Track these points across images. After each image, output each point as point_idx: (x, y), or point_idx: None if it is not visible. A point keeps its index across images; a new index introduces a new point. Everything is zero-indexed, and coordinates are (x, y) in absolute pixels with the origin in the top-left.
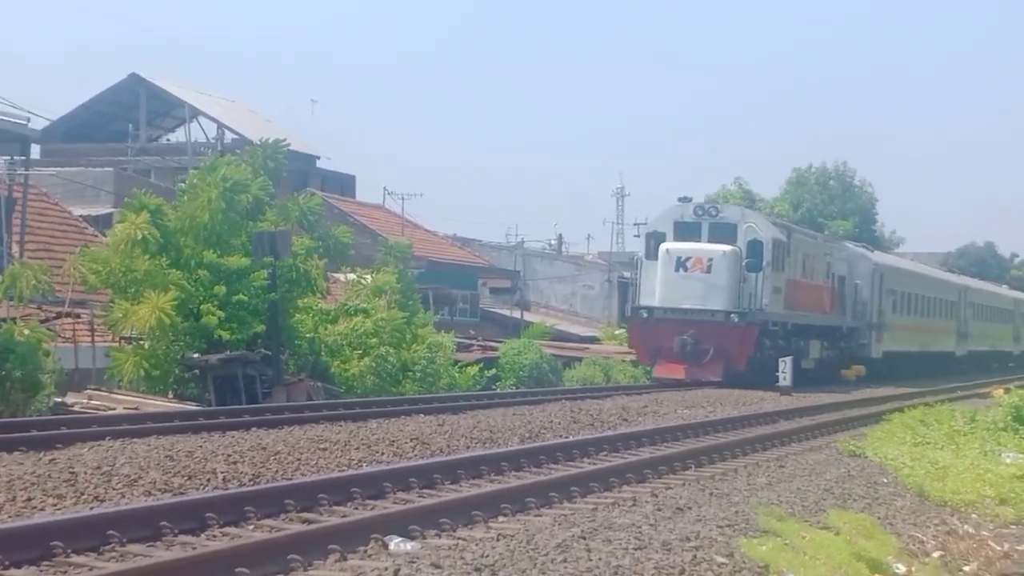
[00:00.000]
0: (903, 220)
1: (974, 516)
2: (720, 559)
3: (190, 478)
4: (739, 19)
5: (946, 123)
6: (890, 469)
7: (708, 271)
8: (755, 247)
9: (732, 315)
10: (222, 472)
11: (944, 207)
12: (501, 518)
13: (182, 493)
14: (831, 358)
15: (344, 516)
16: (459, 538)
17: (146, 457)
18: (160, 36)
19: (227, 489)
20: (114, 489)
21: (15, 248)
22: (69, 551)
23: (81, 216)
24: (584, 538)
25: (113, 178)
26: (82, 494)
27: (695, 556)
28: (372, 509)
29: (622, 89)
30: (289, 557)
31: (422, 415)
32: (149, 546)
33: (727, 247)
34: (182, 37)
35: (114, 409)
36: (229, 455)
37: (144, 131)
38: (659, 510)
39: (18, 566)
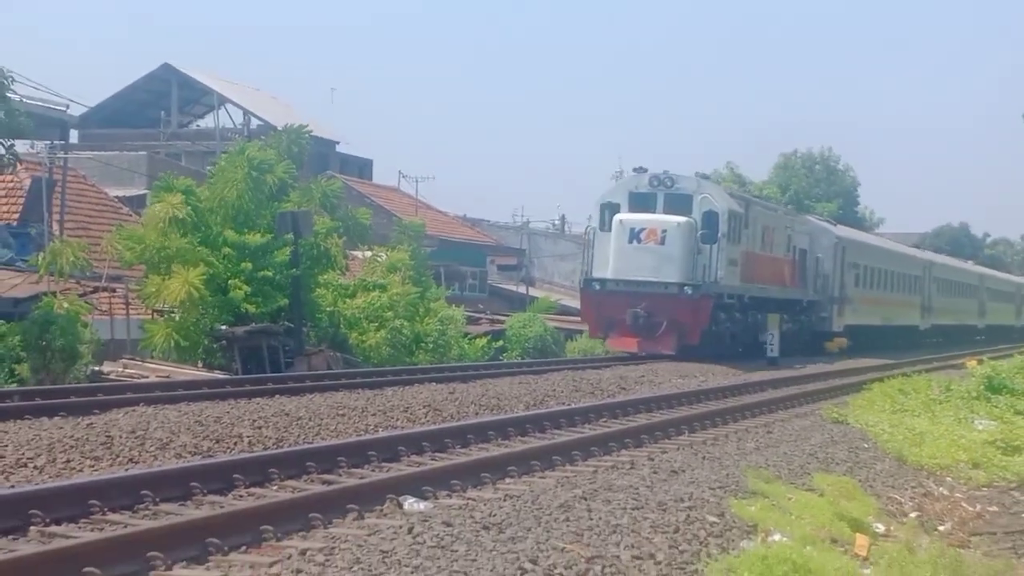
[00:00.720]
0: (884, 202)
1: (949, 479)
2: (712, 518)
3: (218, 441)
4: (734, 6)
5: (925, 111)
6: (870, 435)
7: (662, 243)
8: (710, 218)
9: (686, 288)
10: (248, 436)
11: (922, 190)
12: (508, 480)
13: (211, 456)
14: (792, 331)
15: (362, 478)
16: (469, 498)
17: (177, 422)
18: (190, 27)
19: (253, 452)
20: (147, 452)
21: (55, 227)
22: (106, 509)
23: (116, 197)
24: (585, 499)
25: (146, 161)
26: (117, 456)
27: (688, 515)
28: (388, 471)
29: (621, 76)
30: (311, 515)
31: (434, 383)
32: (180, 505)
33: (681, 218)
34: (211, 28)
35: (147, 377)
36: (254, 420)
37: (175, 118)
38: (655, 473)
39: (58, 523)
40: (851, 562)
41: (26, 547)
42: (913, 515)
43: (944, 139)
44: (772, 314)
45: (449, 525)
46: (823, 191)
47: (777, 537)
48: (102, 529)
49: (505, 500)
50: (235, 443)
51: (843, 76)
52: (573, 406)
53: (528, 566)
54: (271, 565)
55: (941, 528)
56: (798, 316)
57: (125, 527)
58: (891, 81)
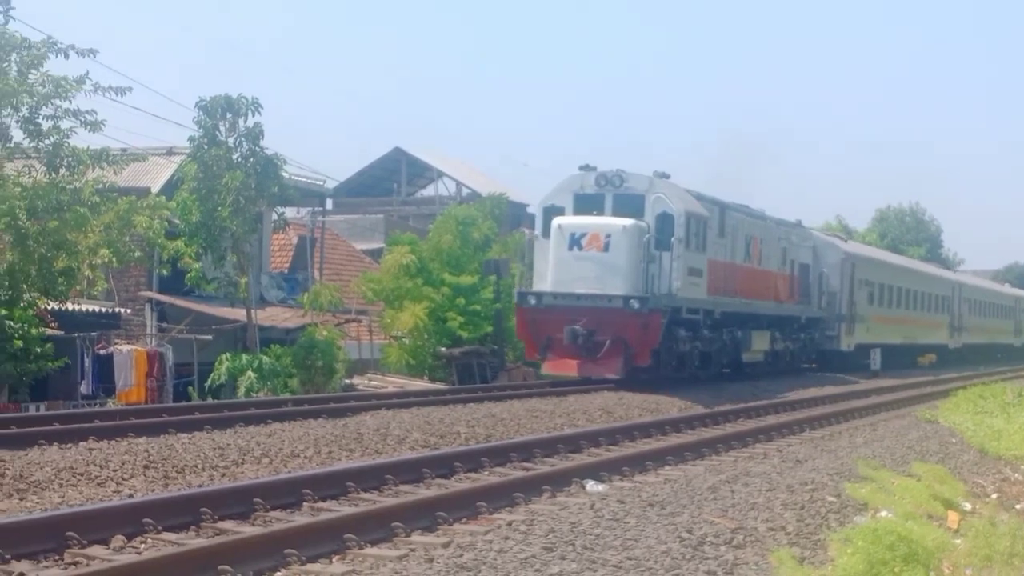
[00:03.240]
0: (965, 245)
1: (1023, 467)
2: (831, 498)
3: (442, 437)
4: (834, 68)
5: (999, 164)
6: (957, 432)
7: (605, 249)
8: (664, 221)
9: (632, 300)
10: (464, 433)
11: (996, 233)
12: (666, 467)
13: (436, 448)
14: (790, 350)
15: (553, 465)
16: (636, 481)
17: (410, 422)
18: (414, 118)
19: (468, 445)
20: (388, 445)
21: (316, 273)
22: (359, 490)
23: (361, 250)
24: (729, 482)
25: (383, 223)
26: (366, 449)
27: (812, 496)
28: (572, 460)
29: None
30: (514, 495)
31: (607, 391)
32: (415, 486)
33: (627, 221)
34: (429, 117)
35: (386, 388)
36: (468, 421)
37: (404, 188)
38: (783, 462)
39: (323, 500)
40: (944, 534)
41: (301, 518)
42: (994, 496)
43: (1016, 187)
44: (760, 331)
45: (622, 502)
46: (913, 237)
47: (884, 513)
48: (357, 505)
49: (665, 483)
50: (454, 438)
51: (928, 140)
52: (716, 409)
53: (685, 535)
54: (486, 533)
55: (1018, 507)
56: (796, 334)
57: (375, 503)
58: (968, 143)
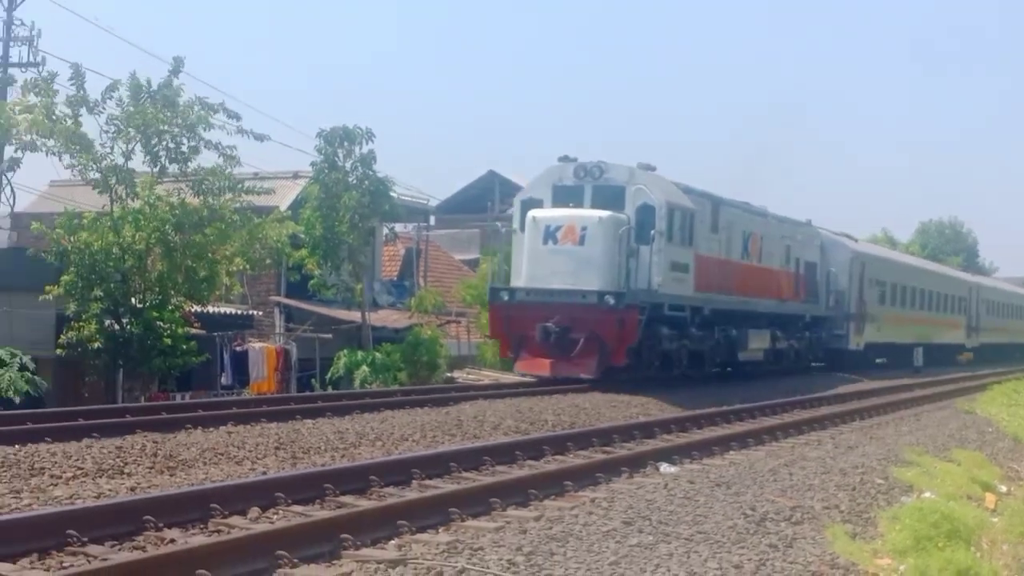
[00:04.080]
0: (1000, 254)
1: None
2: (879, 480)
3: (532, 424)
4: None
5: None
6: (994, 422)
7: (580, 243)
8: (645, 214)
9: (607, 296)
10: (551, 420)
11: None
12: (731, 452)
13: (527, 434)
14: (793, 349)
15: (630, 449)
16: (704, 464)
17: (504, 411)
18: (506, 142)
19: (555, 431)
20: (485, 430)
21: (421, 280)
22: (460, 469)
23: (459, 260)
24: (787, 466)
25: (479, 236)
26: (466, 434)
27: (862, 479)
28: (647, 445)
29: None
30: (596, 475)
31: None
32: (509, 466)
33: (604, 213)
34: (520, 140)
35: (482, 380)
36: (555, 409)
37: (497, 206)
38: (836, 448)
39: (430, 478)
40: (983, 513)
41: (411, 494)
42: None
43: None
44: (758, 330)
45: (692, 483)
46: (952, 248)
47: (928, 494)
48: (459, 483)
49: (730, 466)
50: (543, 425)
51: (966, 151)
52: (776, 401)
53: (749, 512)
54: (572, 508)
55: None
56: (801, 332)
57: (474, 481)
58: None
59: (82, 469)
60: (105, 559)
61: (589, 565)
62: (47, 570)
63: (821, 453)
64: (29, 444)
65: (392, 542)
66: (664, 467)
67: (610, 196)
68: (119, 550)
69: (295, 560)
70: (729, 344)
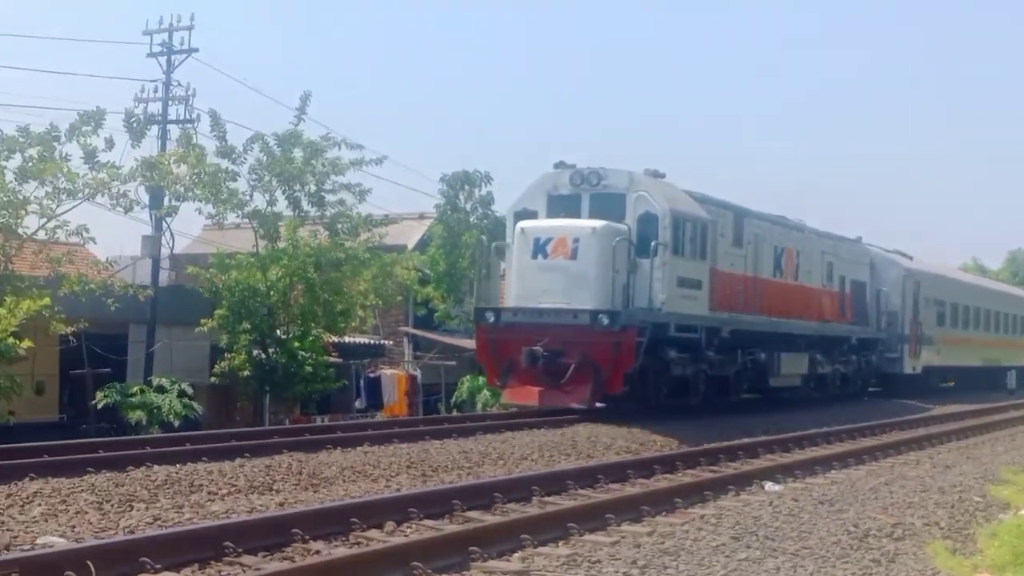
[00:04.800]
0: None
1: None
2: (977, 498)
3: (642, 444)
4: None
5: None
6: None
7: (573, 256)
8: (647, 224)
9: (601, 316)
10: (659, 441)
11: None
12: (832, 471)
13: (638, 454)
14: (839, 373)
15: (736, 468)
16: (807, 483)
17: (615, 432)
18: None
19: (663, 451)
20: (598, 451)
21: None
22: (576, 487)
23: None
24: (887, 484)
25: None
26: (580, 453)
27: (960, 496)
28: (753, 464)
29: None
30: (704, 492)
31: (778, 413)
32: (622, 484)
33: (598, 223)
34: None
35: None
36: (665, 434)
37: None
38: (934, 467)
39: (549, 495)
40: None
41: (532, 509)
42: None
43: None
44: (793, 353)
45: (796, 500)
46: None
47: None
48: (575, 499)
49: (832, 484)
50: (651, 445)
51: None
52: (872, 422)
53: (851, 528)
54: (682, 524)
55: None
56: (847, 356)
57: (589, 499)
58: None
59: (235, 486)
60: (258, 569)
61: None
62: None
63: (920, 472)
64: (188, 464)
65: (516, 555)
66: (769, 485)
67: (610, 205)
68: (270, 560)
69: (428, 571)
70: (757, 369)
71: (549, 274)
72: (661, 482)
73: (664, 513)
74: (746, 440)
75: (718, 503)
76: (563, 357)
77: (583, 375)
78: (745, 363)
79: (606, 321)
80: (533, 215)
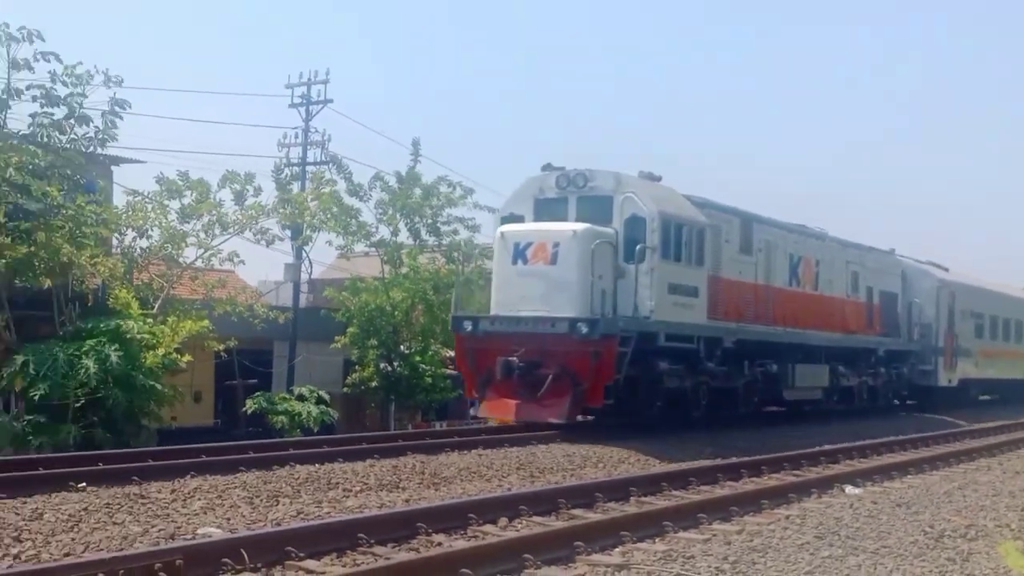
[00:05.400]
0: None
1: None
2: None
3: (728, 449)
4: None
5: None
6: None
7: (552, 261)
8: (634, 227)
9: (579, 324)
10: (743, 447)
11: None
12: (908, 476)
13: (726, 458)
14: (866, 386)
15: (818, 473)
16: (886, 487)
17: (705, 438)
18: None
19: (750, 456)
20: (689, 455)
21: None
22: (671, 488)
23: None
24: (960, 488)
25: None
26: (672, 458)
27: None
28: (833, 469)
29: None
30: (789, 495)
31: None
32: (712, 487)
33: (579, 226)
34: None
35: None
36: (747, 437)
37: None
38: (1004, 473)
39: (654, 494)
40: None
41: (630, 508)
42: None
43: None
44: (810, 364)
45: (875, 503)
46: None
47: None
48: (670, 500)
49: (908, 488)
50: (734, 453)
51: None
52: (946, 431)
53: (927, 529)
54: (769, 524)
55: None
56: (875, 368)
57: (683, 499)
58: None
59: (367, 484)
60: (388, 558)
61: (787, 573)
62: (344, 567)
63: (991, 478)
64: (326, 463)
65: (616, 549)
66: (849, 489)
67: (597, 208)
68: (399, 551)
69: (538, 562)
70: (769, 381)
71: (529, 280)
72: (748, 485)
73: (751, 513)
74: (827, 447)
75: (801, 505)
76: (542, 368)
77: (561, 387)
78: (755, 375)
79: (585, 329)
80: (520, 220)
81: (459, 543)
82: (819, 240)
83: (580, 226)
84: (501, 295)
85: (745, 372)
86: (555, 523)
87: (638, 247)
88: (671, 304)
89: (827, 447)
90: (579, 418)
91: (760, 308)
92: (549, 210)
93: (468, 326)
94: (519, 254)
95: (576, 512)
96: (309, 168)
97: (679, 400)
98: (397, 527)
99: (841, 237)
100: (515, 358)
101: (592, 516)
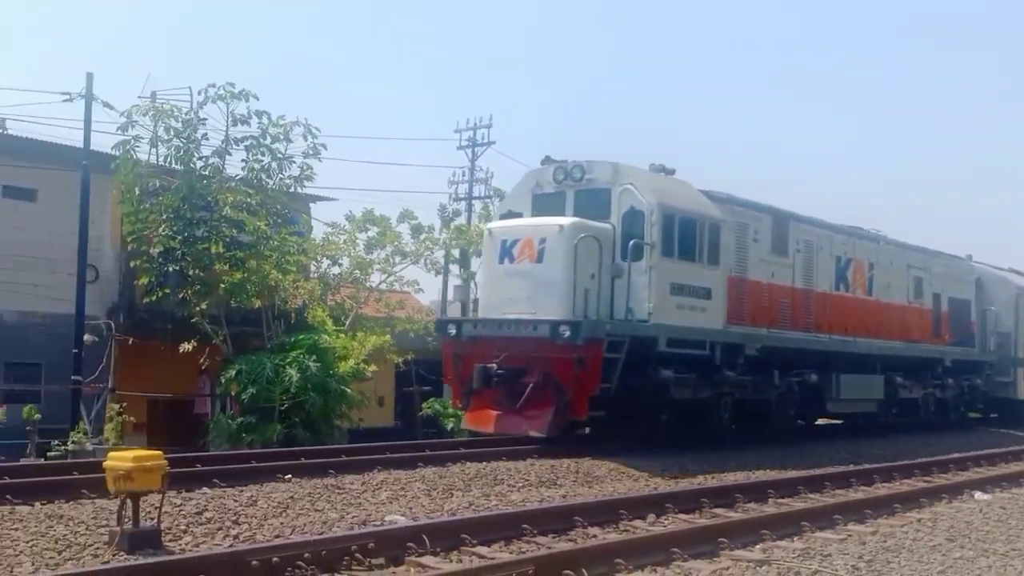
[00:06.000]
0: None
1: None
2: None
3: (860, 456)
4: None
5: None
6: None
7: (539, 259)
8: (632, 221)
9: (562, 327)
10: (877, 454)
11: None
12: None
13: (859, 464)
14: (933, 398)
15: (947, 479)
16: (1013, 493)
17: (839, 445)
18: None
19: (883, 463)
20: (822, 460)
21: None
22: (807, 491)
23: None
24: None
25: None
26: (808, 463)
27: None
28: (963, 476)
29: None
30: (920, 500)
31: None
32: (846, 490)
33: (567, 220)
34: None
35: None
36: (882, 444)
37: None
38: None
39: (791, 496)
40: None
41: (769, 508)
42: None
43: None
44: (859, 375)
45: (1004, 508)
46: None
47: None
48: (806, 502)
49: None
50: (872, 458)
51: None
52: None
53: None
54: (902, 526)
55: None
56: (942, 379)
57: (819, 501)
58: None
59: (528, 481)
60: (549, 548)
61: (920, 572)
62: (511, 553)
63: None
64: (492, 461)
65: (757, 546)
66: (978, 495)
67: (595, 201)
68: (558, 541)
69: (685, 556)
70: (808, 392)
71: (515, 280)
72: (881, 489)
73: (885, 516)
74: (956, 455)
75: (932, 509)
76: (528, 376)
77: (544, 397)
78: (790, 385)
79: (567, 333)
80: (519, 216)
81: (612, 536)
82: (873, 242)
83: (568, 220)
84: (488, 297)
85: (776, 382)
86: (699, 520)
87: (632, 242)
88: (675, 306)
89: (955, 455)
90: (586, 430)
91: (798, 313)
92: (547, 205)
93: (452, 330)
94: (506, 252)
95: (718, 511)
96: (475, 202)
97: (693, 413)
98: (556, 520)
99: (900, 240)
100: (494, 364)
101: (734, 515)
